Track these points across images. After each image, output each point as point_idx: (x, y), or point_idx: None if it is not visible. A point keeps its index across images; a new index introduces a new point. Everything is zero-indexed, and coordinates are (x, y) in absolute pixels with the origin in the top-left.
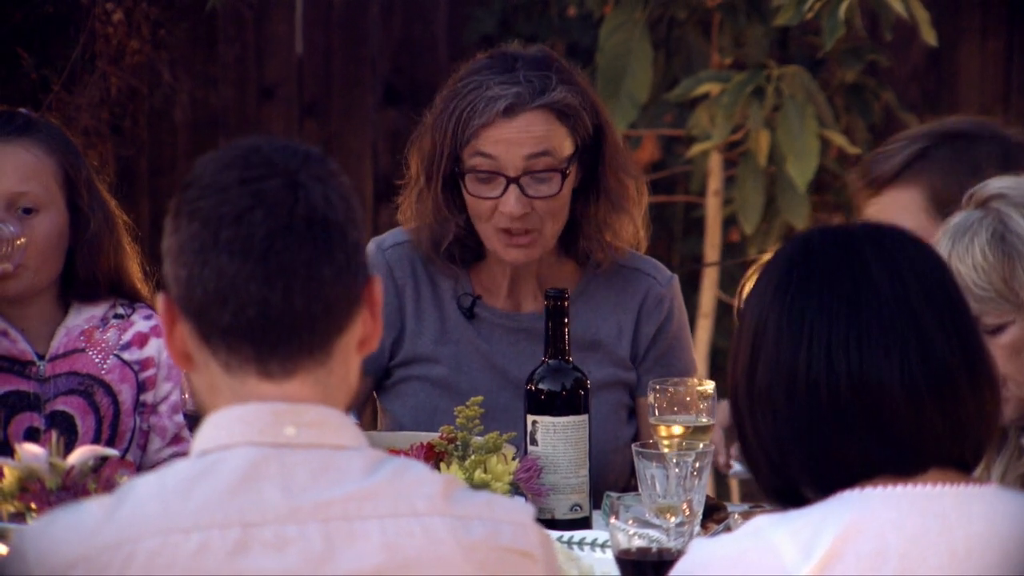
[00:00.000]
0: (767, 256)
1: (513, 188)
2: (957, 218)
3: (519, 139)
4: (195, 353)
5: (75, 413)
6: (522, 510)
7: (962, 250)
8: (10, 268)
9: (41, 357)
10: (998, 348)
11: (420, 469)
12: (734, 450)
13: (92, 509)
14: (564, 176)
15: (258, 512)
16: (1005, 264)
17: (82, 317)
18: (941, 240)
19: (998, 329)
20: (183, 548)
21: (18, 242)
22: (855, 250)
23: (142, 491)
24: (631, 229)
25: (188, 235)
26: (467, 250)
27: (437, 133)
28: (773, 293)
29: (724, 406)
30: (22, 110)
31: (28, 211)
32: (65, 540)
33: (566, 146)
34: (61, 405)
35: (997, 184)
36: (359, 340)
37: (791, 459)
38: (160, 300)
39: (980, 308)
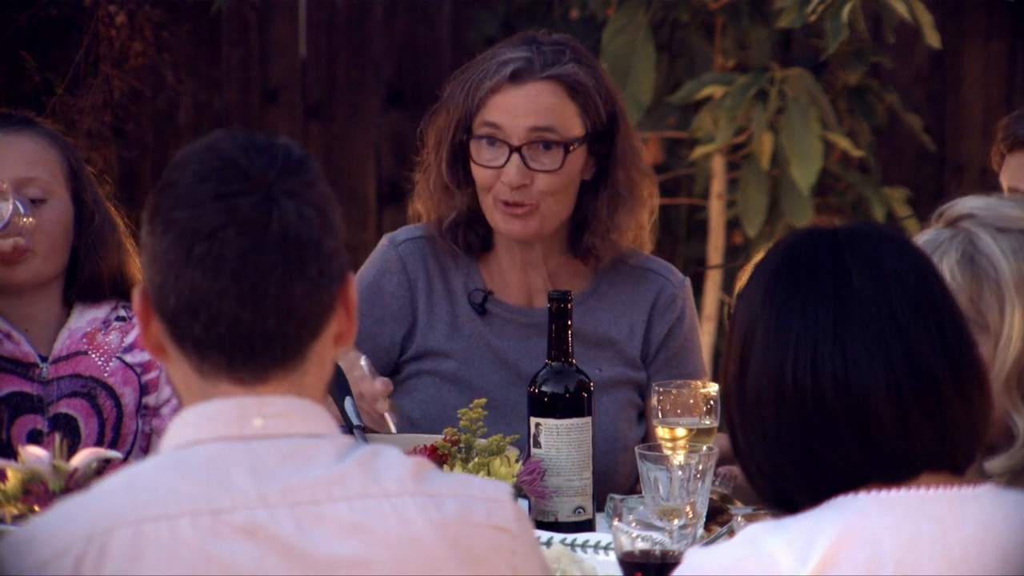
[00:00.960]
0: (756, 260)
1: (515, 157)
2: (926, 235)
3: (524, 108)
4: (169, 350)
5: (78, 415)
6: (497, 487)
7: None
8: (22, 242)
9: (44, 359)
10: None
11: (391, 453)
12: (720, 469)
13: (64, 507)
14: (567, 151)
15: (227, 498)
16: (973, 285)
17: (84, 319)
18: None
19: None
20: (155, 537)
21: (28, 219)
22: (837, 256)
23: (111, 485)
24: (635, 226)
25: (163, 245)
26: (474, 236)
27: (450, 103)
28: (760, 302)
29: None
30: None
31: (34, 201)
32: (39, 539)
33: (574, 124)
34: (64, 407)
35: (967, 204)
36: (334, 336)
37: (783, 466)
38: (136, 294)
39: None
